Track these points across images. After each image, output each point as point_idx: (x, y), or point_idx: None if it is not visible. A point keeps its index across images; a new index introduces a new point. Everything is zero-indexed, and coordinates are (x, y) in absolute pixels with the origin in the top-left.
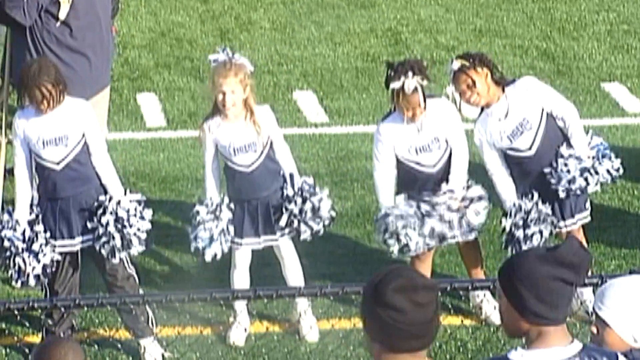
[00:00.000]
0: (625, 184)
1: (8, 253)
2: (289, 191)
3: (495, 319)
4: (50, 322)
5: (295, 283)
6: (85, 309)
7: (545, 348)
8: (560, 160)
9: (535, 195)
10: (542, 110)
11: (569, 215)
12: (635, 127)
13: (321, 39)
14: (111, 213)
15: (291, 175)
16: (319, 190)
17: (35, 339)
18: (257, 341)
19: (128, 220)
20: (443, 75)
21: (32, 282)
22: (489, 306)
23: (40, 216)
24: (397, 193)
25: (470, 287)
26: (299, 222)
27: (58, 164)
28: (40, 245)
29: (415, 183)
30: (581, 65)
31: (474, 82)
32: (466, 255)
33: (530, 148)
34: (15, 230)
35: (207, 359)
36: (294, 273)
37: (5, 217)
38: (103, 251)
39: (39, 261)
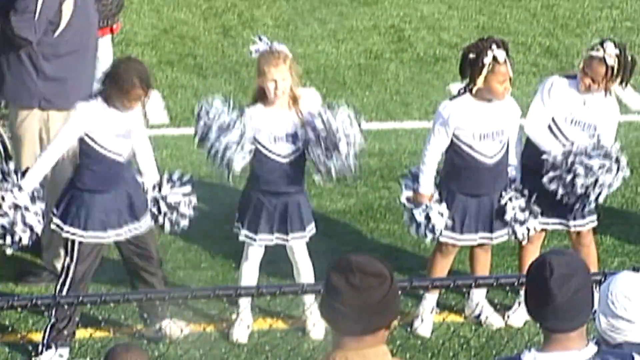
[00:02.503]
0: (629, 181)
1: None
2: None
3: (495, 321)
4: (54, 318)
5: None
6: (89, 306)
7: (559, 351)
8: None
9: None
10: (604, 129)
11: (580, 216)
12: (639, 124)
13: (324, 36)
14: (173, 187)
15: None
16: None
17: (38, 336)
18: (260, 338)
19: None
20: (446, 73)
21: (25, 240)
22: (488, 309)
23: (66, 202)
24: (447, 185)
25: (430, 286)
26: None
27: (122, 155)
28: (36, 213)
29: (468, 171)
30: None
31: (606, 83)
32: (478, 261)
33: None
34: (19, 188)
35: (210, 356)
36: (305, 277)
37: (13, 176)
38: (182, 224)
39: (32, 228)
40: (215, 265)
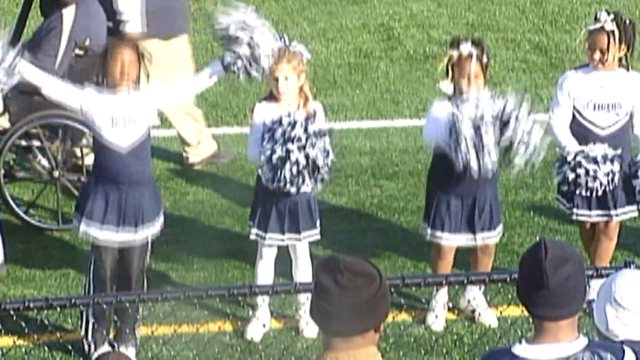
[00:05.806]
0: None
1: None
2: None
3: (488, 317)
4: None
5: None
6: (81, 307)
7: (549, 343)
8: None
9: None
10: (633, 107)
11: (622, 206)
12: None
13: (314, 36)
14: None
15: None
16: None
17: (31, 339)
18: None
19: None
20: (436, 70)
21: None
22: (481, 307)
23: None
24: (436, 184)
25: (422, 283)
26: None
27: (121, 147)
28: None
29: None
30: (574, 58)
31: (608, 49)
32: (481, 261)
33: (604, 129)
34: None
35: (203, 357)
36: (304, 274)
37: None
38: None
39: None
40: (208, 265)
